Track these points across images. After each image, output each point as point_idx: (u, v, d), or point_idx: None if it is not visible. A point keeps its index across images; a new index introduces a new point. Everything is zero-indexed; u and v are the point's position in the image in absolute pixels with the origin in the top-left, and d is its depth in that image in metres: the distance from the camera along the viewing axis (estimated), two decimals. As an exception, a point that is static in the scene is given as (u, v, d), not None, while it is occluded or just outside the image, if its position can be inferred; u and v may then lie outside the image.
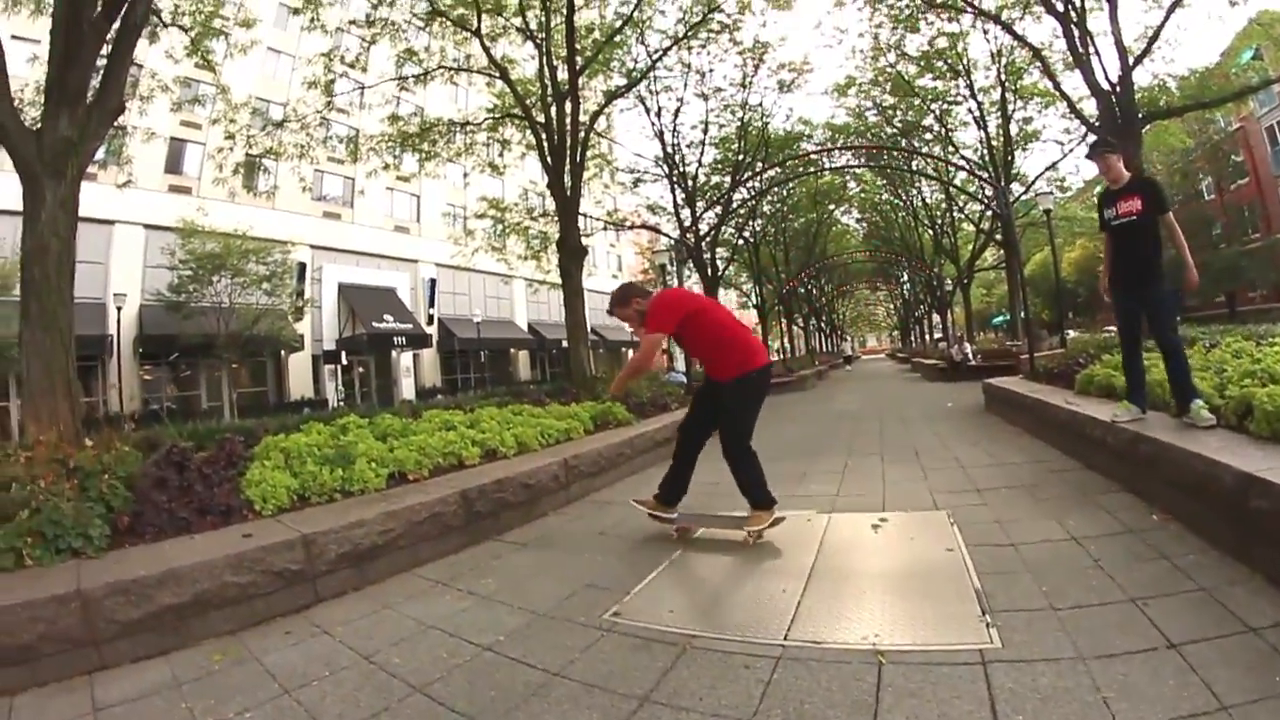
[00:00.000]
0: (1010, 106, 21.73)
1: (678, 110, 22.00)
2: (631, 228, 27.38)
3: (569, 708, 2.13)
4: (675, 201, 23.59)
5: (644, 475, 6.31)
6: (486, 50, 13.15)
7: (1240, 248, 32.41)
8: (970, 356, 19.66)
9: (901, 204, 32.79)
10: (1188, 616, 2.32)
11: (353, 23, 13.85)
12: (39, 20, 7.21)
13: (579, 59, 13.09)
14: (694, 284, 29.75)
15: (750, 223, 28.75)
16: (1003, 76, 21.01)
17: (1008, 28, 16.18)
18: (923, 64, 20.91)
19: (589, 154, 14.95)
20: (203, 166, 21.14)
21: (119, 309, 19.48)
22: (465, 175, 20.18)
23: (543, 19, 13.08)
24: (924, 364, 25.07)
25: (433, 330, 30.46)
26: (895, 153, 22.93)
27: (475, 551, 4.17)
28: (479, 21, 12.62)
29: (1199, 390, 3.97)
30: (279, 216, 23.84)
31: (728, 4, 15.02)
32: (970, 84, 21.68)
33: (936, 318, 40.18)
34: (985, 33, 19.40)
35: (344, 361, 27.29)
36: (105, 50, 5.85)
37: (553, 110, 12.85)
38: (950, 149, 24.09)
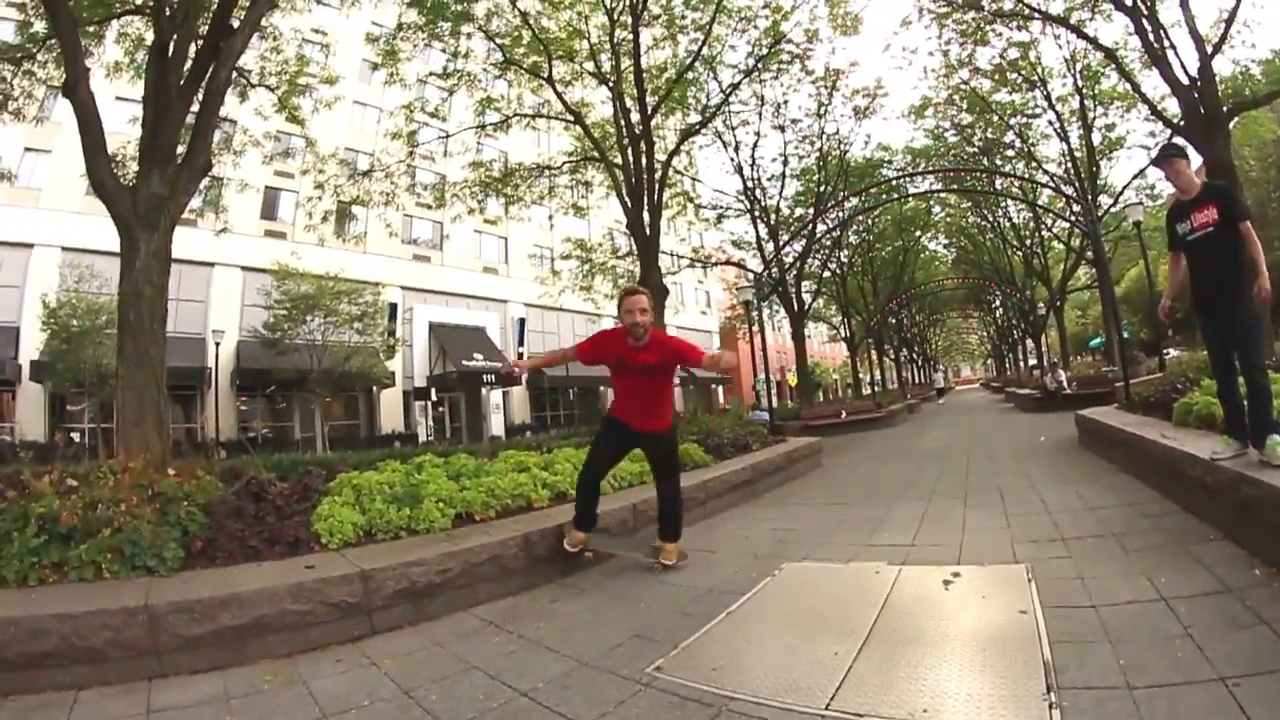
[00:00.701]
0: (1090, 114, 20.98)
1: (755, 144, 22.28)
2: (715, 264, 27.64)
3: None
4: (759, 235, 23.81)
5: (716, 520, 6.15)
6: (560, 96, 13.66)
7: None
8: (1065, 384, 18.55)
9: (989, 225, 31.78)
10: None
11: (431, 74, 14.67)
12: (138, 84, 7.96)
13: (652, 98, 13.39)
14: (781, 319, 29.53)
15: (836, 254, 28.52)
16: (1079, 83, 20.33)
17: (1078, 30, 15.65)
18: (996, 78, 20.56)
19: (670, 192, 15.17)
20: (296, 213, 22.73)
21: (217, 344, 21.19)
22: (550, 217, 20.92)
23: (614, 62, 13.48)
24: (1018, 394, 23.89)
25: (521, 368, 31.26)
26: (977, 173, 22.39)
27: (534, 594, 4.15)
28: (550, 69, 13.14)
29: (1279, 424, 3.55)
30: (370, 259, 25.35)
31: (794, 33, 15.12)
32: (1047, 94, 21.12)
33: (1030, 343, 38.47)
34: (1056, 38, 18.91)
35: (434, 398, 28.45)
36: (195, 109, 6.44)
37: (629, 152, 13.18)
38: (1033, 165, 23.37)
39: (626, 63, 13.35)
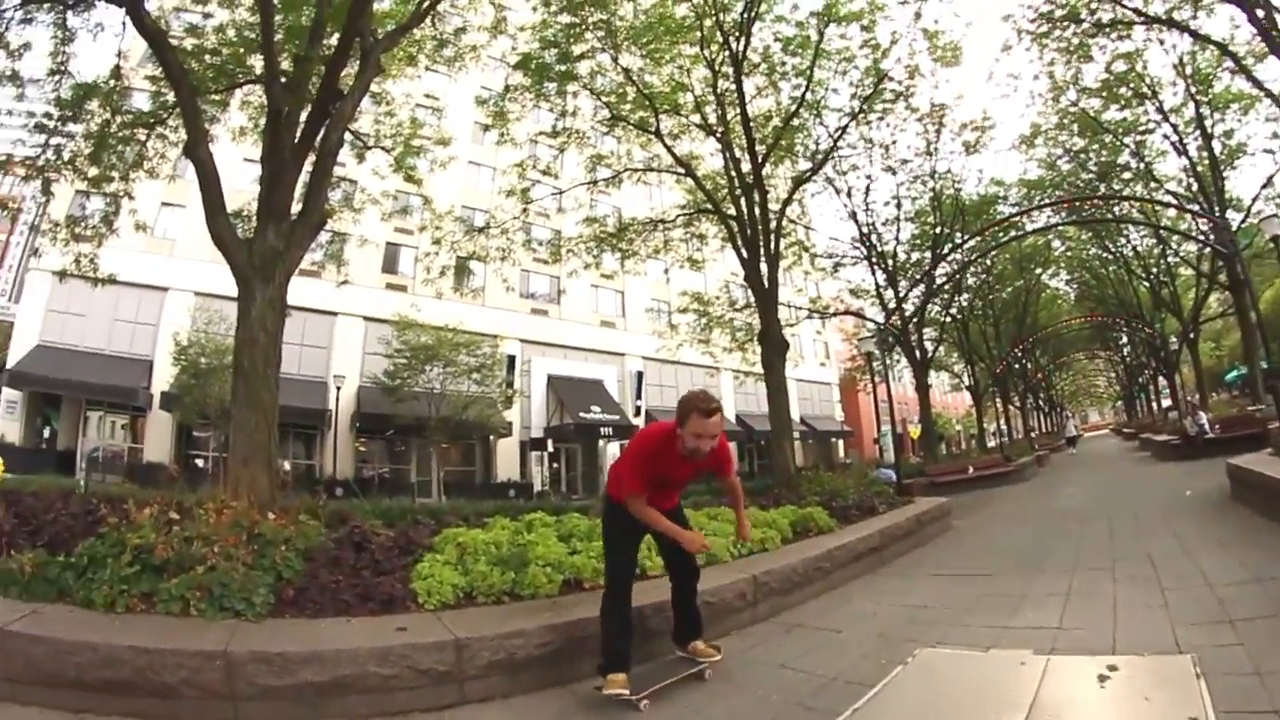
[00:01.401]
0: (1207, 121, 19.12)
1: (868, 188, 21.78)
2: (834, 314, 26.84)
3: None
4: (877, 283, 23.12)
5: (840, 593, 5.59)
6: (669, 149, 13.69)
7: None
8: (1207, 427, 16.19)
9: (1111, 256, 29.38)
10: None
11: (541, 133, 15.17)
12: (260, 146, 8.59)
13: (761, 147, 13.20)
14: (902, 368, 28.17)
15: (956, 298, 27.19)
16: (1191, 89, 18.71)
17: (1183, 27, 14.75)
18: (1105, 94, 19.43)
19: (785, 241, 14.81)
20: (415, 267, 24.06)
21: (338, 388, 22.64)
22: (666, 271, 21.11)
23: (719, 113, 13.43)
24: (1154, 440, 21.23)
25: (639, 421, 31.02)
26: (1095, 199, 20.91)
27: (641, 670, 3.62)
28: (658, 122, 13.23)
29: None
30: (489, 312, 26.54)
31: (895, 70, 14.55)
32: (1159, 105, 19.67)
33: (1162, 382, 35.11)
34: (1161, 43, 17.70)
35: (550, 449, 28.91)
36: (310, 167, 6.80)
37: (741, 202, 12.99)
38: (1153, 185, 21.68)
39: (732, 113, 13.20)
